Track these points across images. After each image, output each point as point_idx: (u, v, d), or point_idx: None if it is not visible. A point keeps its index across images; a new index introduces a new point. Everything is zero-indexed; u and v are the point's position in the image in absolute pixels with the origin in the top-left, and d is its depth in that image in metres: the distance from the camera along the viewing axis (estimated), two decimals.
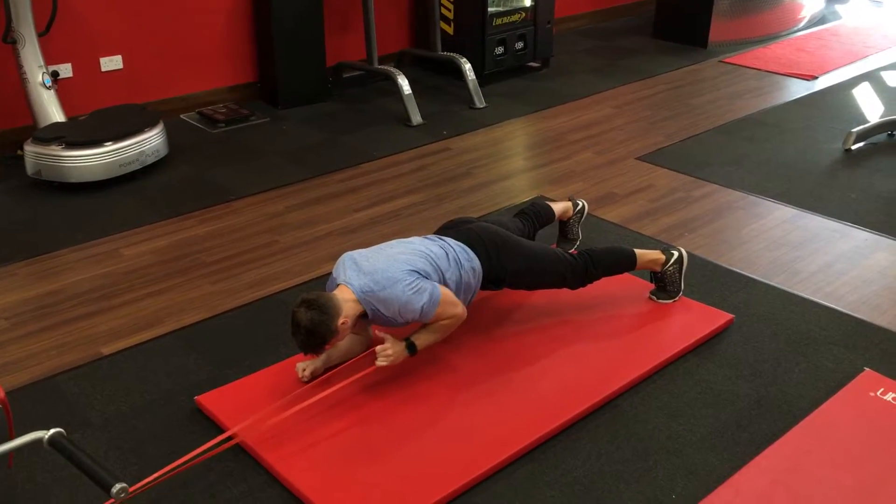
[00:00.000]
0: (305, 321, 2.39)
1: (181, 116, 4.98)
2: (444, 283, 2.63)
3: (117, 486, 1.77)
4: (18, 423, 2.24)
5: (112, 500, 1.84)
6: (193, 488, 2.28)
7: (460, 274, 2.69)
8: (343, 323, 2.45)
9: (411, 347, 2.57)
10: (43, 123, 4.14)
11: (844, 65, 6.10)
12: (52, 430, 1.91)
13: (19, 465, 2.32)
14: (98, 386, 2.70)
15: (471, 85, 5.26)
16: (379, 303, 2.50)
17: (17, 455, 2.27)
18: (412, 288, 2.49)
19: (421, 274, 2.55)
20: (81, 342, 2.93)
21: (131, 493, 1.95)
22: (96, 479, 1.81)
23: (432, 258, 2.63)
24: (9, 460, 2.15)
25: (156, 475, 2.19)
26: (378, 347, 2.53)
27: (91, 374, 2.75)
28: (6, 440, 1.97)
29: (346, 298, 2.49)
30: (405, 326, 2.62)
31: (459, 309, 2.63)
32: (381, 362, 2.52)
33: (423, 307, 2.51)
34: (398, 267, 2.54)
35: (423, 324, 2.61)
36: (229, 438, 2.37)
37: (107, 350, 2.88)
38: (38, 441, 1.92)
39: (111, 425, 2.53)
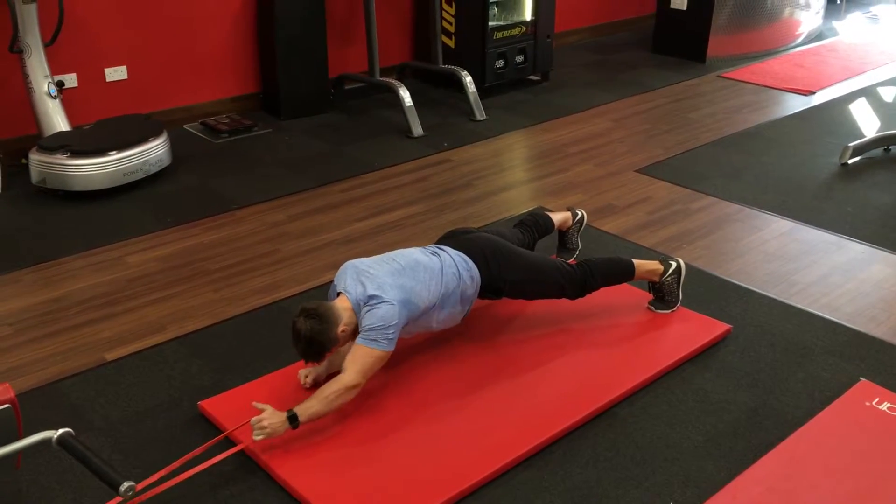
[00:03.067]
0: (305, 330, 2.43)
1: (184, 126, 5.03)
2: (441, 293, 2.66)
3: (125, 485, 1.80)
4: (24, 427, 2.25)
5: (118, 500, 1.86)
6: (193, 489, 2.30)
7: (458, 284, 2.72)
8: (342, 331, 2.48)
9: (293, 420, 2.37)
10: (48, 132, 4.18)
11: (841, 80, 6.16)
12: (61, 430, 1.94)
13: (24, 466, 2.34)
14: (102, 391, 2.73)
15: (471, 97, 5.31)
16: (364, 314, 2.52)
17: (23, 457, 2.29)
18: (386, 320, 2.48)
19: (408, 312, 2.55)
20: (85, 348, 2.96)
21: (138, 491, 1.97)
22: (104, 478, 1.83)
23: (431, 269, 2.67)
24: (17, 460, 2.17)
25: (159, 474, 2.22)
26: (254, 420, 2.35)
27: (95, 380, 2.78)
28: (15, 440, 1.99)
29: (345, 307, 2.52)
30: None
31: (361, 380, 2.47)
32: (256, 436, 2.33)
33: (369, 327, 2.47)
34: (396, 293, 2.53)
35: (313, 394, 2.48)
36: (233, 444, 2.39)
37: (111, 356, 2.91)
38: (46, 441, 1.95)
39: (114, 430, 2.55)
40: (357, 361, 2.47)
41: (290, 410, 2.38)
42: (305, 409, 2.40)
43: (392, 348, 2.51)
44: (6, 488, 2.30)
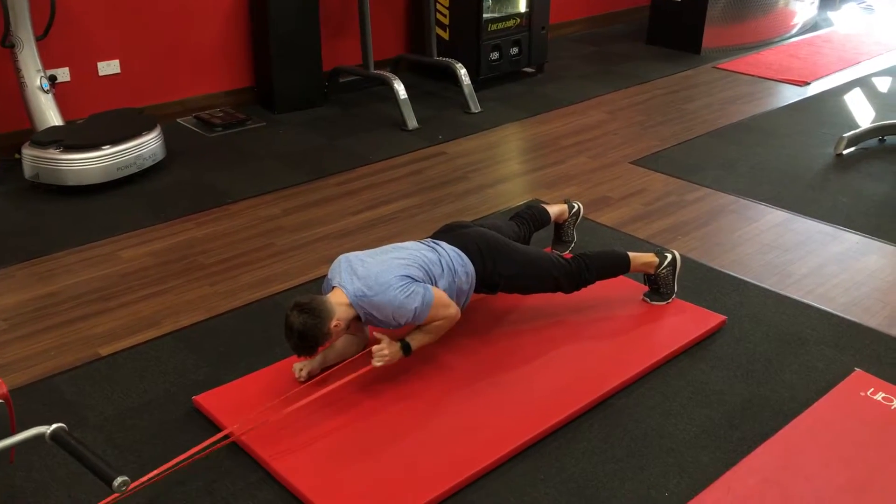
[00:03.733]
0: (298, 324, 2.43)
1: (178, 120, 5.01)
2: (437, 280, 2.66)
3: (119, 480, 1.79)
4: (17, 423, 2.25)
5: (112, 496, 1.86)
6: (191, 486, 2.30)
7: (454, 279, 2.72)
8: (335, 326, 2.48)
9: (406, 348, 2.61)
10: (41, 127, 4.17)
11: (836, 71, 6.16)
12: (55, 426, 1.93)
13: (18, 462, 2.34)
14: (96, 386, 2.72)
15: (466, 90, 5.30)
16: (372, 307, 2.54)
17: (17, 453, 2.28)
18: (404, 292, 2.53)
19: (413, 278, 2.58)
20: (80, 343, 2.95)
21: (131, 489, 1.97)
22: (98, 473, 1.83)
23: (426, 263, 2.66)
24: (10, 456, 2.17)
25: (155, 472, 2.22)
26: (374, 348, 2.56)
27: (89, 375, 2.77)
28: (9, 435, 1.99)
29: (339, 302, 2.52)
30: (399, 328, 2.65)
31: (453, 310, 2.67)
32: (377, 362, 2.55)
33: (416, 310, 2.55)
34: (391, 272, 2.57)
35: (417, 325, 2.64)
36: (226, 437, 2.39)
37: (105, 351, 2.90)
38: (40, 437, 1.94)
39: (109, 425, 2.55)
40: (438, 311, 2.61)
41: (402, 340, 2.60)
42: (416, 340, 2.63)
43: (430, 289, 2.60)
44: (0, 483, 2.30)
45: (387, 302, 2.52)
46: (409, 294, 2.53)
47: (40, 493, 2.28)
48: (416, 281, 2.58)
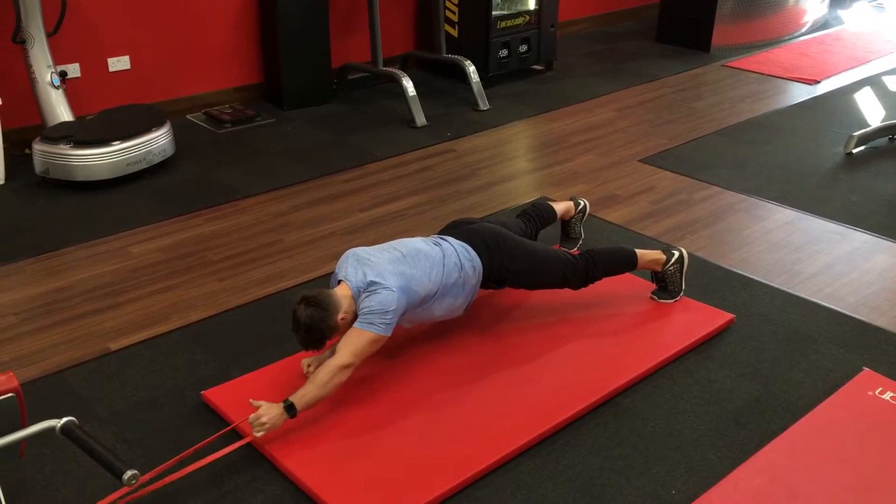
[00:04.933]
0: (304, 318, 2.43)
1: (188, 116, 5.03)
2: (442, 283, 2.65)
3: (128, 473, 1.81)
4: (28, 416, 2.26)
5: (123, 490, 1.87)
6: (198, 479, 2.30)
7: (460, 274, 2.72)
8: (342, 319, 2.48)
9: (290, 409, 2.37)
10: (51, 123, 4.19)
11: (846, 69, 6.14)
12: (65, 419, 1.95)
13: (29, 455, 2.35)
14: (106, 381, 2.74)
15: (475, 87, 5.30)
16: (364, 297, 2.53)
17: (28, 446, 2.30)
18: (388, 300, 2.49)
19: (407, 298, 2.54)
20: (89, 338, 2.96)
21: (140, 483, 1.98)
22: (107, 466, 1.84)
23: (432, 258, 2.67)
24: (21, 449, 2.18)
25: (164, 465, 2.23)
26: (251, 417, 2.35)
27: (99, 370, 2.79)
28: (20, 428, 2.00)
29: (345, 295, 2.53)
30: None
31: (353, 360, 2.45)
32: (257, 433, 2.33)
33: (367, 310, 2.47)
34: (395, 280, 2.54)
35: (310, 378, 2.47)
36: (241, 436, 2.40)
37: (114, 346, 2.92)
38: (50, 430, 1.95)
39: (118, 419, 2.56)
40: (351, 343, 2.47)
41: (286, 400, 2.37)
42: (301, 397, 2.40)
43: (388, 333, 2.51)
44: (11, 476, 2.32)
45: (374, 298, 2.49)
46: (388, 309, 2.48)
47: (51, 486, 2.30)
48: (398, 309, 2.51)
